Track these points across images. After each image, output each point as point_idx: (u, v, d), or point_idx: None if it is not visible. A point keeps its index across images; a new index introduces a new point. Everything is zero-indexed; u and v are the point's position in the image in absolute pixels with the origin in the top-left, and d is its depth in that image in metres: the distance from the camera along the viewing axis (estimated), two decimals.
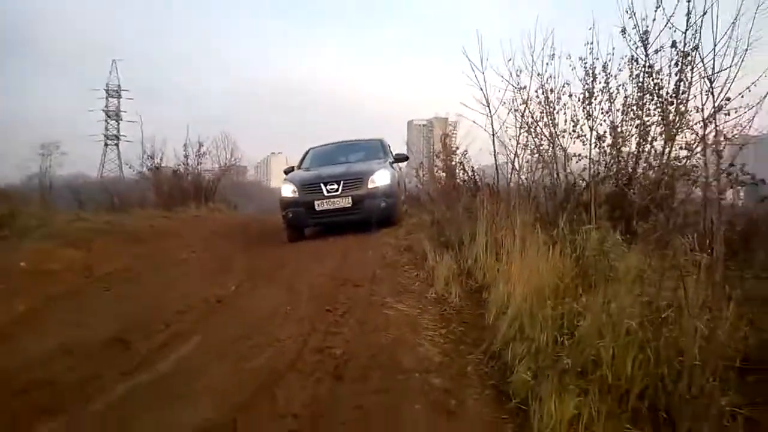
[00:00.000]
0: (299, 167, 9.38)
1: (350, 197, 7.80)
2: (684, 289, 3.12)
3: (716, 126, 5.71)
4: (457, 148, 13.67)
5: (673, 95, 6.58)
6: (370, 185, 7.90)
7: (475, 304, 4.71)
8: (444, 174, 10.26)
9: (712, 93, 4.18)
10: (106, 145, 52.28)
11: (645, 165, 6.56)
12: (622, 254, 4.50)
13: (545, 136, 7.73)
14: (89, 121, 56.56)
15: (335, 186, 7.81)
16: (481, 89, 7.37)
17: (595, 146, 7.16)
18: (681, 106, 6.55)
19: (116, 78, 53.00)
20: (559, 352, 3.42)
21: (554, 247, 4.77)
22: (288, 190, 8.14)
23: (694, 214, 5.18)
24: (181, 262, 6.95)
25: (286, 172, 9.20)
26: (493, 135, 6.98)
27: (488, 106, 7.07)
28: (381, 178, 8.00)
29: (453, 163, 13.60)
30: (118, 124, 53.58)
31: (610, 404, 2.95)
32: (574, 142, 7.45)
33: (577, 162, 7.44)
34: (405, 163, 10.51)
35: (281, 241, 8.31)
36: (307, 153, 9.84)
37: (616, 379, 3.09)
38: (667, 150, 6.54)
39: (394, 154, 9.81)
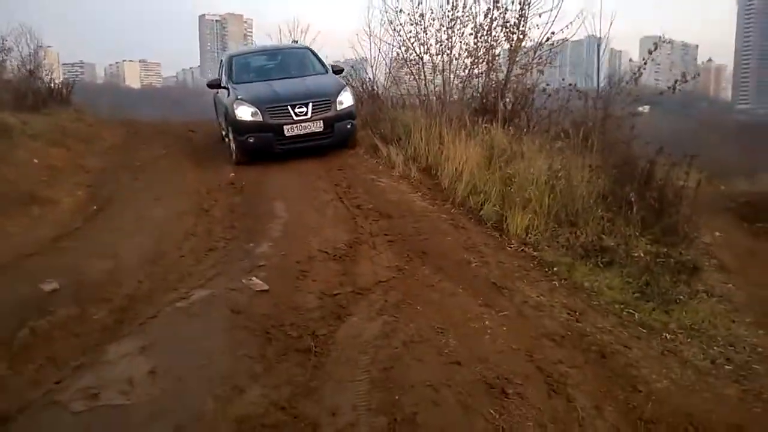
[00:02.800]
0: (231, 79, 8.32)
1: (321, 120, 7.47)
2: (584, 156, 5.84)
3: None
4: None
5: (515, 27, 9.38)
6: (339, 107, 7.62)
7: (429, 177, 7.06)
8: None
9: None
10: None
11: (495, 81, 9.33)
12: (518, 142, 7.19)
13: (416, 53, 10.15)
14: None
15: (304, 109, 7.39)
16: None
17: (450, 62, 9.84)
18: (521, 35, 9.39)
19: None
20: (506, 196, 5.99)
21: (474, 140, 7.29)
22: (247, 113, 7.42)
23: (549, 115, 8.13)
24: (159, 158, 8.11)
25: (212, 86, 8.69)
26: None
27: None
28: (347, 99, 7.79)
29: None
30: None
31: (542, 219, 5.60)
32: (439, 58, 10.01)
33: (438, 76, 10.06)
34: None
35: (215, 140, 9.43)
36: (230, 62, 8.74)
37: (541, 207, 5.73)
38: (510, 68, 9.42)
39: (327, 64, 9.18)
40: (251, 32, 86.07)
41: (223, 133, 8.61)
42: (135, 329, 3.23)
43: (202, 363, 2.84)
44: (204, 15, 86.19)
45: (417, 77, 10.16)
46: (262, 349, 3.05)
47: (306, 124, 7.40)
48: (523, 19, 9.27)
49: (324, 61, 9.17)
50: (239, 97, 7.63)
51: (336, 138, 7.65)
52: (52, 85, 14.56)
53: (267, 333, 3.23)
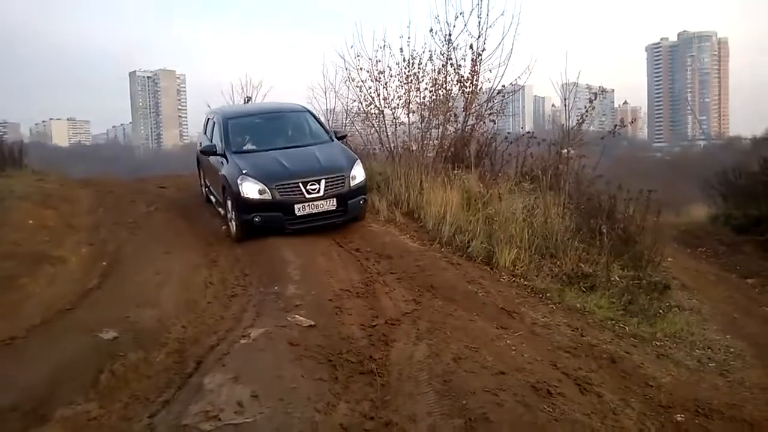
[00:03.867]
0: (229, 147, 7.56)
1: (334, 198, 6.95)
2: (553, 194, 6.59)
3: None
4: None
5: (467, 80, 10.30)
6: (352, 183, 7.13)
7: (413, 221, 7.65)
8: None
9: None
10: None
11: (454, 130, 10.17)
12: (492, 185, 7.92)
13: (376, 105, 10.90)
14: None
15: (316, 186, 6.85)
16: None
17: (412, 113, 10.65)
18: (474, 88, 10.31)
19: None
20: (491, 234, 6.64)
21: (450, 185, 7.97)
22: (253, 190, 6.81)
23: (515, 160, 8.96)
24: (148, 215, 8.29)
25: (207, 153, 7.83)
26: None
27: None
28: (360, 173, 7.32)
29: None
30: None
31: (526, 252, 6.28)
32: (400, 111, 10.81)
33: (398, 126, 10.84)
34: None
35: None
36: (226, 126, 7.88)
37: (522, 241, 6.42)
38: (466, 119, 10.30)
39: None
40: (184, 87, 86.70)
41: (212, 198, 8.34)
42: (217, 364, 3.58)
43: (291, 386, 3.24)
44: (135, 71, 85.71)
45: (378, 129, 10.90)
46: (332, 373, 3.49)
47: (318, 202, 6.88)
48: (475, 74, 10.22)
49: (325, 124, 8.85)
50: (244, 171, 6.98)
51: (349, 216, 7.16)
52: (4, 147, 14.41)
53: (330, 360, 3.66)
